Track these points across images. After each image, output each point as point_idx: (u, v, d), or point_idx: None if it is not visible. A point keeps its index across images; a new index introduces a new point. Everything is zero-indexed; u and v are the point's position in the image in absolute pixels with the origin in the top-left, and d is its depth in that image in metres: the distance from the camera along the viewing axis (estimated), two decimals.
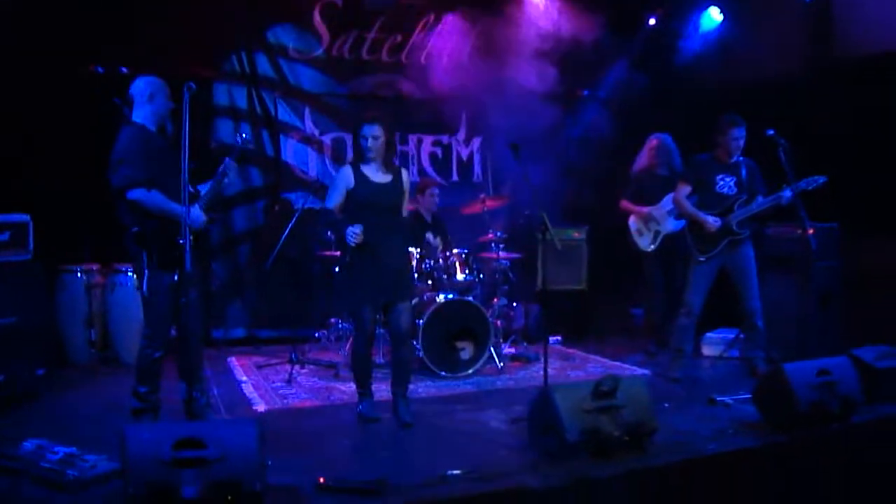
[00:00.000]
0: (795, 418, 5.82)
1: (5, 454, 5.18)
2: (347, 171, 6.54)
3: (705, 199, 7.87)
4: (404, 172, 6.71)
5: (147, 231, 5.86)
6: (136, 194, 5.81)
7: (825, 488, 5.70)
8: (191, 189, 5.75)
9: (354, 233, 6.25)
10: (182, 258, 5.48)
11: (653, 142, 9.39)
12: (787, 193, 7.46)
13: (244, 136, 6.46)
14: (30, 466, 4.99)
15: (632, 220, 9.43)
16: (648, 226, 9.29)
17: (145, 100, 6.07)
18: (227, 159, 6.23)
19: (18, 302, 7.14)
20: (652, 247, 9.26)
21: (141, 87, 6.10)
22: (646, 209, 9.27)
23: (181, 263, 5.51)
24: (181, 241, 5.41)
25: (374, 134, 6.43)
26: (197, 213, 5.98)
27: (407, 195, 6.71)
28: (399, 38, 10.56)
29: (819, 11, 9.56)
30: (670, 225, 9.08)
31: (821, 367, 6.01)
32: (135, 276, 6.23)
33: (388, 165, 6.57)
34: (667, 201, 9.02)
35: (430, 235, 9.06)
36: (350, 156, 10.23)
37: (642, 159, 9.49)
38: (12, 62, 7.84)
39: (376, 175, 6.52)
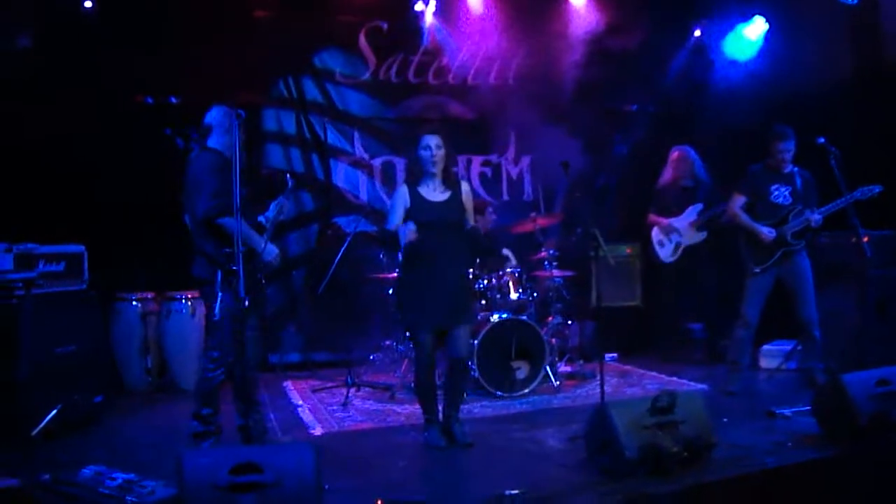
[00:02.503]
0: (856, 430, 5.73)
1: (65, 480, 5.23)
2: (403, 191, 6.39)
3: (760, 210, 7.80)
4: (465, 185, 6.54)
5: (232, 254, 5.83)
6: (226, 220, 5.80)
7: (888, 501, 5.59)
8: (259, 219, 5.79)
9: (409, 229, 6.08)
10: (256, 285, 5.53)
11: (674, 154, 9.51)
12: (817, 217, 7.56)
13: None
14: (89, 493, 5.03)
15: (655, 232, 9.56)
16: (670, 237, 9.37)
17: (225, 129, 6.11)
18: (287, 176, 6.29)
19: (76, 331, 7.25)
20: (671, 259, 9.31)
21: (219, 117, 6.17)
22: (667, 220, 9.34)
23: (254, 289, 5.57)
24: (234, 268, 5.44)
25: (437, 143, 6.28)
26: (271, 247, 6.01)
27: (471, 208, 6.56)
28: (444, 60, 10.59)
29: (866, 14, 9.45)
30: (691, 237, 9.09)
31: (880, 376, 5.92)
32: (203, 299, 6.19)
33: (447, 180, 6.41)
34: (689, 212, 9.09)
35: (507, 250, 9.05)
36: (402, 177, 10.31)
37: (667, 173, 9.57)
38: (67, 93, 7.99)
39: (433, 194, 6.36)
